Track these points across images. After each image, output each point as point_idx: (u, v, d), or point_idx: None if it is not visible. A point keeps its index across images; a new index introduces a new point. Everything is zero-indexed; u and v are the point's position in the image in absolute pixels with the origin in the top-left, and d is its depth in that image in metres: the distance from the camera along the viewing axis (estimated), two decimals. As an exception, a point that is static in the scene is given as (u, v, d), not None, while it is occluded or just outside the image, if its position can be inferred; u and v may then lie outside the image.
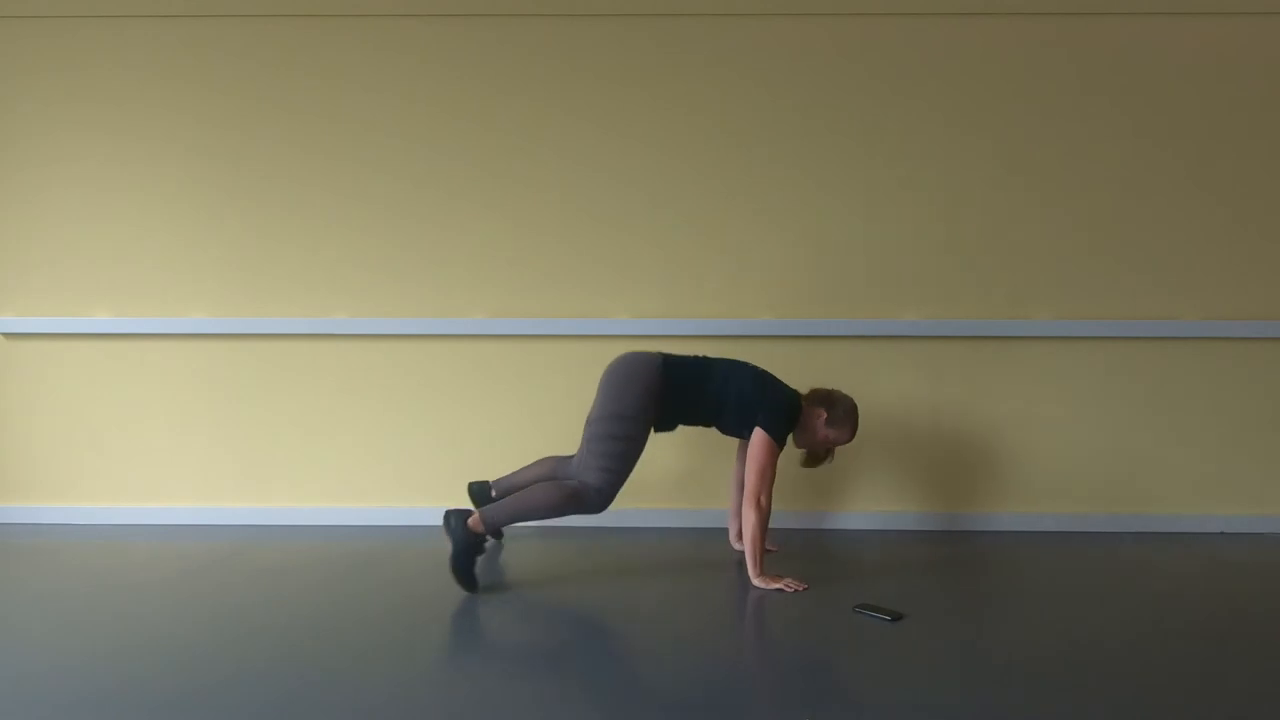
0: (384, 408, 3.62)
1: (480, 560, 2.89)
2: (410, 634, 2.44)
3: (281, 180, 3.58)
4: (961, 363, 3.57)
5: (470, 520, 2.80)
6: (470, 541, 2.79)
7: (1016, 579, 2.96)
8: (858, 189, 3.55)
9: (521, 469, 3.24)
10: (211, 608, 2.65)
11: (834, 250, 3.56)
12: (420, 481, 3.63)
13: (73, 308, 3.63)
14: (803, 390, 3.05)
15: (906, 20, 3.52)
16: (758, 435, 2.89)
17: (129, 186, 3.60)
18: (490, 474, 3.44)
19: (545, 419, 3.58)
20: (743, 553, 2.95)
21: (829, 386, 3.06)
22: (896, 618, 2.56)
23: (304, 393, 3.62)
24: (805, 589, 2.80)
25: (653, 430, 2.97)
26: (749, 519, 2.84)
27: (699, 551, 3.28)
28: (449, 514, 2.82)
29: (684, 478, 3.62)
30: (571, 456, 3.12)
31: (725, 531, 3.39)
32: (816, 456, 3.12)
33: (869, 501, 3.62)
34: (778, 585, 2.81)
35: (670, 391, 2.92)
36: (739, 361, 3.05)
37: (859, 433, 3.08)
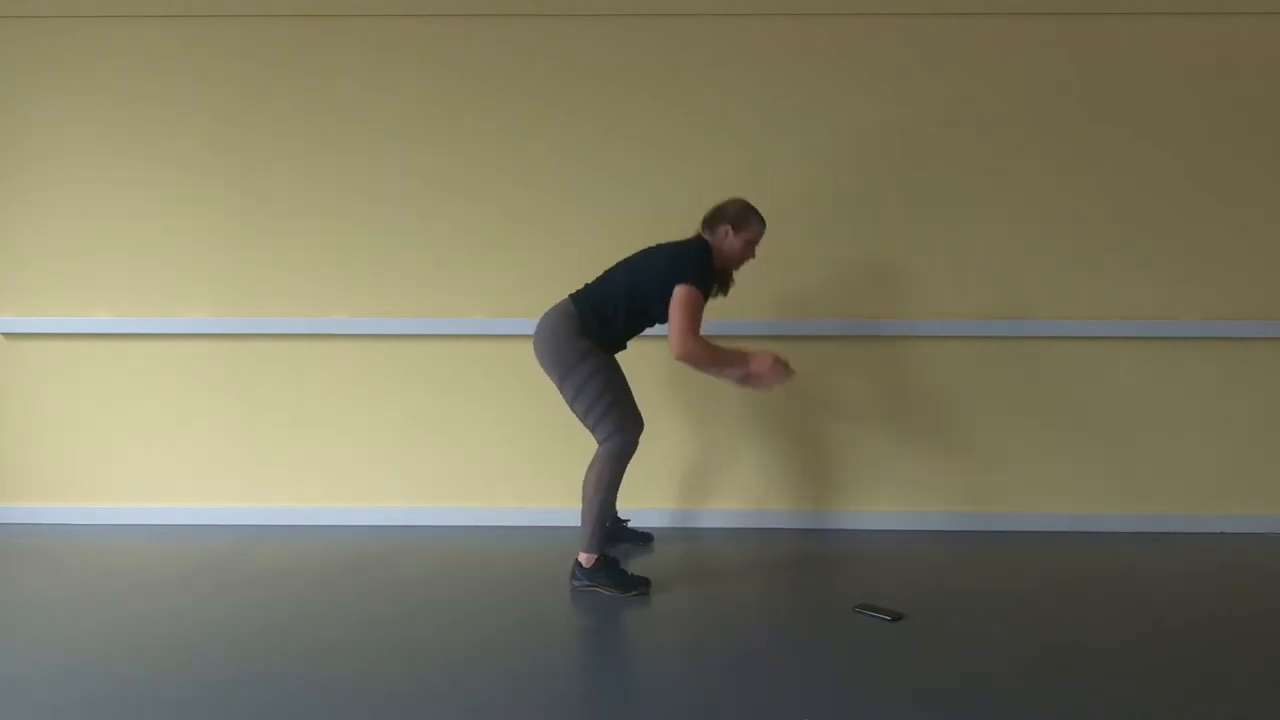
0: (384, 408, 3.62)
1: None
2: (410, 634, 2.44)
3: (282, 180, 3.58)
4: (961, 362, 3.57)
5: (582, 559, 2.84)
6: (599, 572, 2.81)
7: (1016, 578, 2.96)
8: (858, 189, 3.55)
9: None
10: (211, 608, 2.65)
11: (834, 250, 3.56)
12: (420, 481, 3.63)
13: (73, 308, 3.63)
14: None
15: (906, 20, 3.52)
16: (676, 291, 2.71)
17: (129, 186, 3.60)
18: (490, 473, 3.45)
19: (545, 419, 3.58)
20: None
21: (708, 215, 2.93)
22: (896, 618, 2.56)
23: (304, 393, 3.62)
24: (792, 374, 2.75)
25: (607, 354, 2.87)
26: (695, 361, 2.69)
27: (699, 552, 3.28)
28: (574, 569, 2.86)
29: (672, 474, 3.62)
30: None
31: (723, 534, 3.38)
32: (725, 282, 3.01)
33: (869, 501, 3.62)
34: (767, 364, 2.72)
35: (593, 320, 2.80)
36: (637, 252, 2.91)
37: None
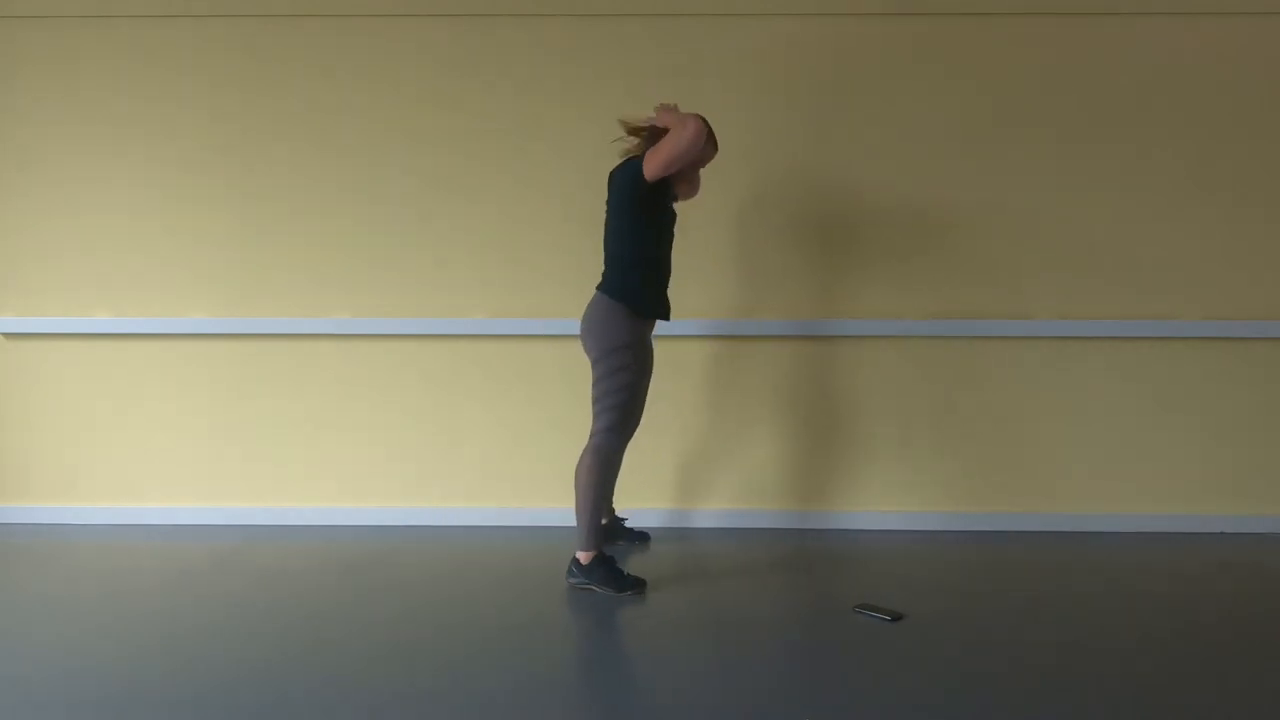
0: (384, 407, 3.62)
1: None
2: (410, 635, 2.44)
3: (282, 179, 3.58)
4: (961, 363, 3.56)
5: (580, 557, 2.84)
6: (595, 569, 2.81)
7: (1016, 578, 2.96)
8: (857, 189, 3.55)
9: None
10: (211, 608, 2.65)
11: (834, 249, 3.56)
12: (420, 481, 3.63)
13: (72, 308, 3.62)
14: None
15: (906, 20, 3.52)
16: (644, 162, 2.76)
17: (129, 186, 3.60)
18: (489, 474, 3.44)
19: (546, 419, 3.58)
20: None
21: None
22: (896, 618, 2.56)
23: (304, 393, 3.62)
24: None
25: (660, 320, 2.95)
26: (695, 137, 2.69)
27: (698, 552, 3.28)
28: (570, 566, 2.86)
29: (670, 474, 3.62)
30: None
31: (721, 534, 3.38)
32: (693, 182, 3.08)
33: (869, 501, 3.62)
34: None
35: (623, 288, 2.84)
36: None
37: None
